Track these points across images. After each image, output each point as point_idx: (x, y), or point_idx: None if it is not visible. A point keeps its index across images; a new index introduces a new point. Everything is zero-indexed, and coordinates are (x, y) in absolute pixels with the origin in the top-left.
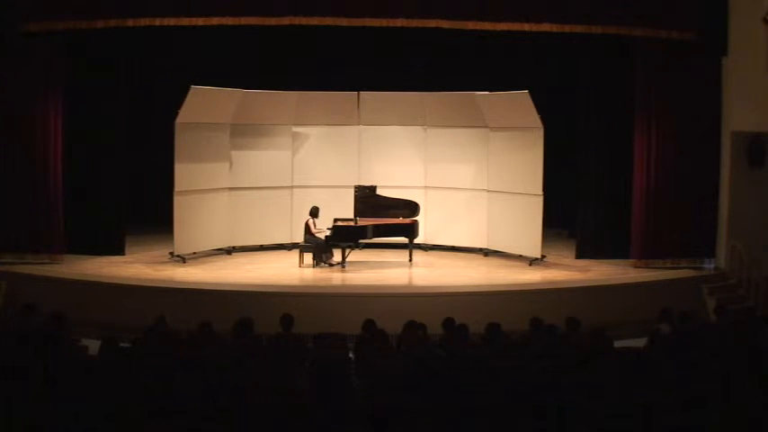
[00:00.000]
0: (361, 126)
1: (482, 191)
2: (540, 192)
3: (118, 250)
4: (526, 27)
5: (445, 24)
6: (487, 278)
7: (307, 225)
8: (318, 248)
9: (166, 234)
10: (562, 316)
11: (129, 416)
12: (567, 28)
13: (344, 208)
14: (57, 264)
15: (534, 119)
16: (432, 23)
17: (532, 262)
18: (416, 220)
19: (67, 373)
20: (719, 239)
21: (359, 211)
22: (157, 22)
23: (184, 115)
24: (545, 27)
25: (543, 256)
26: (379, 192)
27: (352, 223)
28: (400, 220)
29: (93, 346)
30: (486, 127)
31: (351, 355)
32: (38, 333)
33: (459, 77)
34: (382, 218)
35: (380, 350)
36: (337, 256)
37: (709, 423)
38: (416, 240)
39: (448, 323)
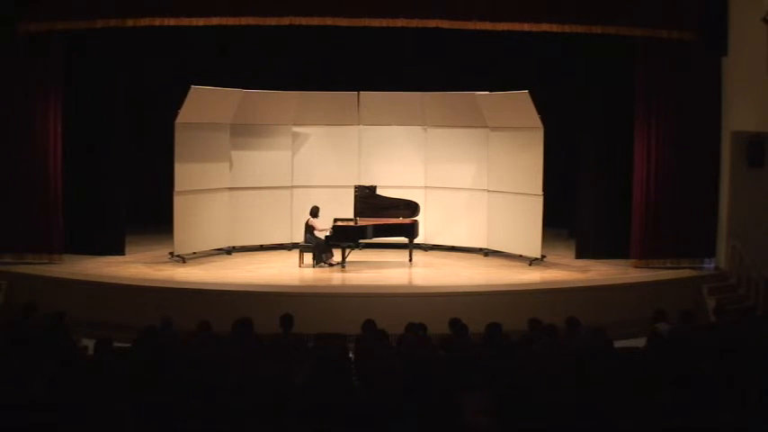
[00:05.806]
0: (361, 126)
1: (482, 191)
2: (540, 192)
3: (118, 250)
4: (526, 27)
5: (445, 24)
6: (487, 278)
7: (309, 225)
8: (318, 248)
9: (166, 234)
10: (562, 316)
11: (129, 415)
12: (566, 28)
13: (344, 208)
14: (57, 264)
15: (534, 119)
16: (432, 23)
17: (532, 262)
18: (416, 220)
19: (67, 373)
20: (719, 239)
21: (359, 211)
22: (157, 22)
23: (184, 115)
24: (545, 27)
25: (543, 256)
26: (379, 192)
27: (352, 223)
28: (400, 220)
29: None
30: (486, 127)
31: (351, 355)
32: (38, 333)
33: (459, 77)
34: (382, 218)
35: (380, 350)
36: (337, 256)
37: (708, 423)
38: (416, 240)
39: (454, 323)
